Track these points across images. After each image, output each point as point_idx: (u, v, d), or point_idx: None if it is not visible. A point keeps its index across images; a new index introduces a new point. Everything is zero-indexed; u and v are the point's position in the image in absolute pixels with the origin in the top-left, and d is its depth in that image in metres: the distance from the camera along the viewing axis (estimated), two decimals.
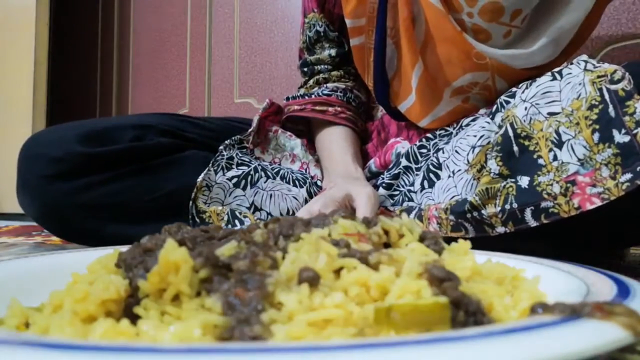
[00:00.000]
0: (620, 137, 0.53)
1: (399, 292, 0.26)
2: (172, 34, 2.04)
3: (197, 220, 0.75)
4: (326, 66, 0.93)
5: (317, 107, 0.89)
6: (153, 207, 0.77)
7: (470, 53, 0.73)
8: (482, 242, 0.62)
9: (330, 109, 0.88)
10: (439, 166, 0.69)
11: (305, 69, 0.95)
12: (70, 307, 0.28)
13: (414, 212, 0.66)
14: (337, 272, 0.29)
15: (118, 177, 0.77)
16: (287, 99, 0.94)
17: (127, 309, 0.29)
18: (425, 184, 0.70)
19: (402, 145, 0.79)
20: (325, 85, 0.92)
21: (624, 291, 0.30)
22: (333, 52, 0.92)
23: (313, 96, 0.90)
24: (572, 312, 0.24)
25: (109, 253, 0.35)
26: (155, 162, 0.79)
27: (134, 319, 0.28)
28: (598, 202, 0.54)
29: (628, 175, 0.53)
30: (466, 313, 0.27)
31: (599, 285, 0.32)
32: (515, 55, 0.73)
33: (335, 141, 0.86)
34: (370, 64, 0.81)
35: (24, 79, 1.95)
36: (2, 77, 2.00)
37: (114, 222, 0.77)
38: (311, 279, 0.27)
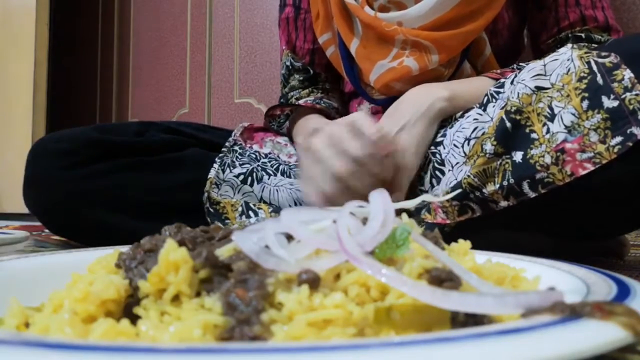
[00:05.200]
0: (609, 103, 0.55)
1: (399, 292, 0.26)
2: (172, 34, 2.03)
3: (212, 210, 0.78)
4: (297, 91, 1.02)
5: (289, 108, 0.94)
6: (157, 201, 0.79)
7: (383, 27, 0.81)
8: (488, 233, 0.63)
9: (302, 103, 0.95)
10: (442, 162, 0.70)
11: (282, 100, 1.05)
12: (70, 307, 0.28)
13: (424, 208, 0.67)
14: (337, 273, 0.29)
15: (121, 168, 0.80)
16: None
17: (127, 309, 0.29)
18: (434, 182, 0.70)
19: None
20: (297, 102, 0.99)
21: (624, 291, 0.30)
22: (301, 77, 1.02)
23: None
24: (572, 312, 0.24)
25: (109, 253, 0.35)
26: (157, 158, 0.81)
27: (134, 319, 0.28)
28: (590, 167, 0.55)
29: (618, 139, 0.54)
30: (466, 313, 0.27)
31: (599, 285, 0.32)
32: (405, 13, 0.80)
33: (312, 118, 0.90)
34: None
35: (24, 79, 1.95)
36: (2, 77, 2.00)
37: (118, 214, 0.79)
38: (311, 281, 0.27)
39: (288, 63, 1.03)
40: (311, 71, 1.02)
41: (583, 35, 0.85)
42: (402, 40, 0.81)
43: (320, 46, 0.96)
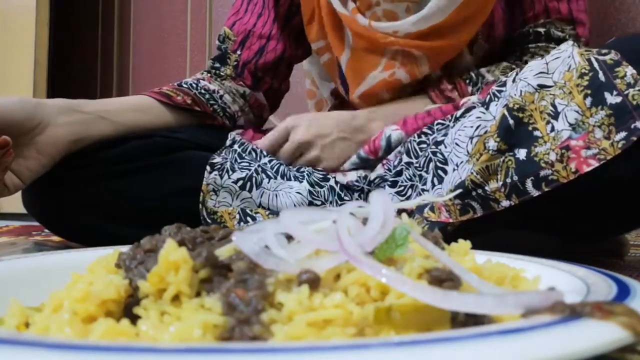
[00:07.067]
0: (612, 99, 0.55)
1: (399, 292, 0.26)
2: (172, 34, 2.04)
3: (209, 221, 0.77)
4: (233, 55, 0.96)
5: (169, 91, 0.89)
6: (153, 208, 0.77)
7: (377, 38, 0.82)
8: (490, 232, 0.63)
9: (178, 98, 0.88)
10: (445, 161, 0.70)
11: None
12: (70, 307, 0.28)
13: (428, 207, 0.67)
14: (337, 273, 0.29)
15: (114, 174, 0.78)
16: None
17: (127, 309, 0.29)
18: (435, 181, 0.70)
19: (391, 129, 0.80)
20: (207, 83, 0.93)
21: (624, 291, 0.30)
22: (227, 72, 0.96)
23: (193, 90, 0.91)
24: (572, 312, 0.24)
25: (109, 253, 0.35)
26: (153, 161, 0.79)
27: (134, 319, 0.28)
28: (595, 164, 0.55)
29: (622, 134, 0.54)
30: (466, 313, 0.27)
31: (599, 285, 0.32)
32: (407, 21, 0.81)
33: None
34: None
35: (24, 79, 1.95)
36: (2, 77, 2.00)
37: (115, 221, 0.78)
38: (311, 281, 0.27)
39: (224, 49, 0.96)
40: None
41: (543, 31, 0.86)
42: (394, 51, 0.82)
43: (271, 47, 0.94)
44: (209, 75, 0.96)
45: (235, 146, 0.84)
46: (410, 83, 0.86)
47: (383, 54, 0.83)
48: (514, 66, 0.83)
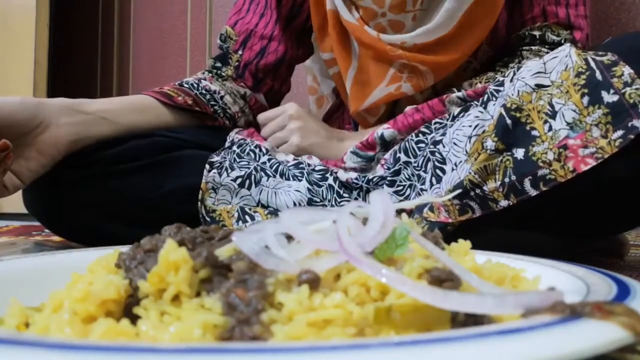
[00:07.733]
0: (609, 97, 0.55)
1: (399, 292, 0.26)
2: (172, 34, 2.04)
3: (208, 219, 0.76)
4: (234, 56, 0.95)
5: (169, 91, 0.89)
6: (153, 208, 0.77)
7: (386, 50, 0.83)
8: (489, 232, 0.63)
9: (179, 98, 0.88)
10: (444, 161, 0.69)
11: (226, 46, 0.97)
12: (70, 307, 0.28)
13: (427, 207, 0.67)
14: (337, 273, 0.29)
15: (115, 173, 0.78)
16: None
17: (127, 309, 0.29)
18: (434, 180, 0.70)
19: (383, 128, 0.80)
20: (208, 83, 0.93)
21: (624, 291, 0.30)
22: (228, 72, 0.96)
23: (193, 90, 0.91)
24: (572, 312, 0.24)
25: (109, 253, 0.35)
26: (153, 159, 0.79)
27: (134, 319, 0.28)
28: (592, 162, 0.55)
29: (620, 132, 0.54)
30: (466, 313, 0.27)
31: (599, 285, 0.32)
32: (419, 33, 0.82)
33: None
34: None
35: (24, 79, 1.95)
36: (2, 77, 2.00)
37: (115, 221, 0.78)
38: (311, 281, 0.27)
39: (225, 48, 0.96)
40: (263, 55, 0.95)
41: (538, 34, 0.86)
42: (401, 63, 0.83)
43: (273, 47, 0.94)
44: (210, 75, 0.96)
45: (234, 147, 0.84)
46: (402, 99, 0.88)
47: (391, 64, 0.84)
48: (497, 75, 0.83)
